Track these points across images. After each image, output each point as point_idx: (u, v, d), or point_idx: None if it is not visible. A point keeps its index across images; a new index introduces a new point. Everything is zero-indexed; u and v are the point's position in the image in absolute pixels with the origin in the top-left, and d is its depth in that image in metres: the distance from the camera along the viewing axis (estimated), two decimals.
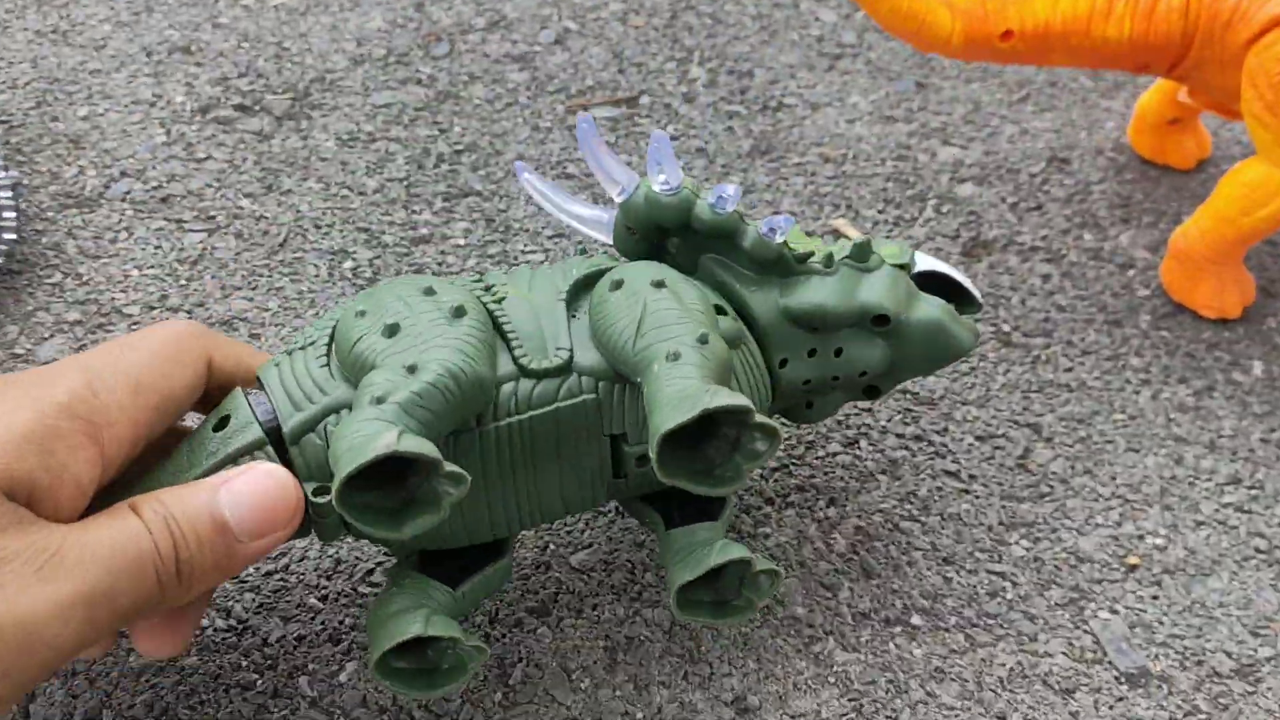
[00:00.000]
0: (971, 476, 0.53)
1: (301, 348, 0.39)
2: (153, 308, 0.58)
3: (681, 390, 0.34)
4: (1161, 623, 0.48)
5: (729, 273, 0.44)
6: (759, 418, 0.34)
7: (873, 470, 0.53)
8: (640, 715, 0.43)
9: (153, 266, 0.60)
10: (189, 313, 0.58)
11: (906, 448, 0.54)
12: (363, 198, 0.65)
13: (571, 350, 0.39)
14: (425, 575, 0.40)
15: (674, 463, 0.35)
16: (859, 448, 0.54)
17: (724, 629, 0.45)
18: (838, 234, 0.64)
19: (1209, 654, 0.47)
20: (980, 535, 0.51)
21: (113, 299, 0.58)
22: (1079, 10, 0.57)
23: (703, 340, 0.37)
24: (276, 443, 0.37)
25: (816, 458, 0.54)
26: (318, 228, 0.63)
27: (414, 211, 0.65)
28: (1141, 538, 0.51)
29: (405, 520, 0.34)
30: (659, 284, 0.39)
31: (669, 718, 0.43)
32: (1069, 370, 0.58)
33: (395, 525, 0.34)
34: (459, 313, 0.37)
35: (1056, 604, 0.48)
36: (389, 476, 0.34)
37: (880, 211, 0.67)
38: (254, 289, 0.59)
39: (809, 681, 0.45)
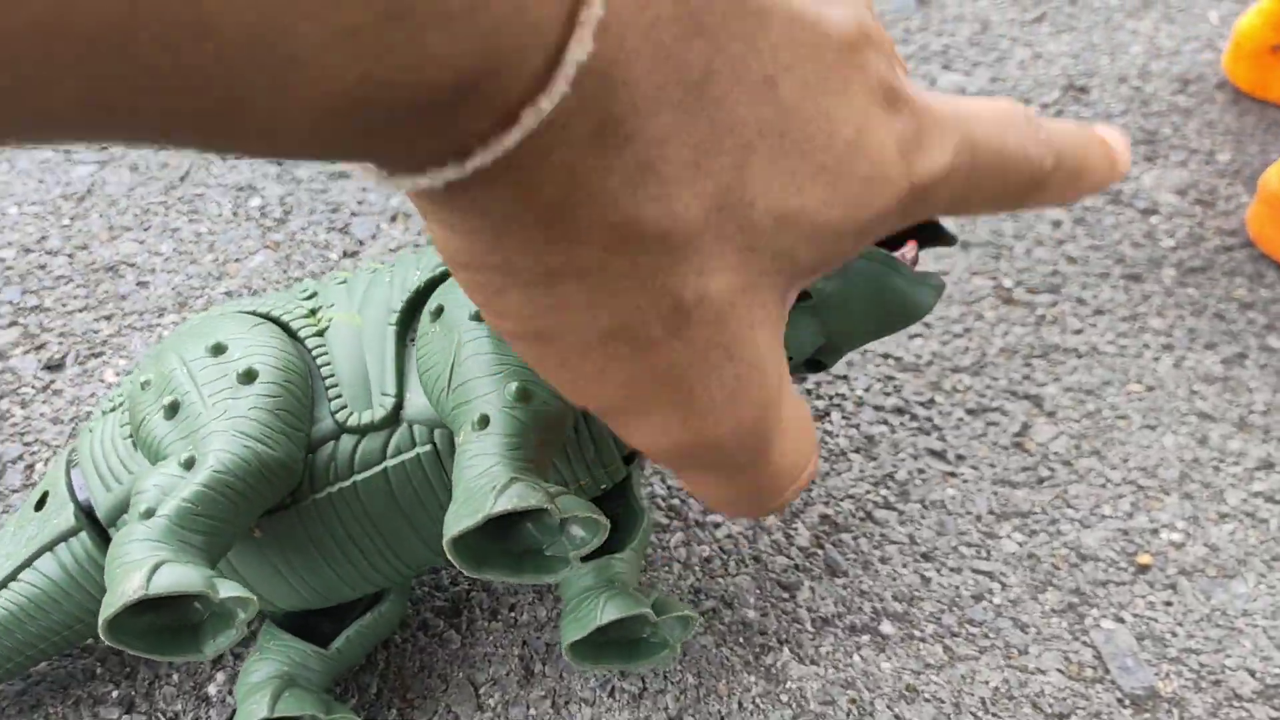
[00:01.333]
0: (959, 457, 0.46)
1: (112, 409, 0.35)
2: (29, 250, 0.51)
3: (475, 479, 0.28)
4: (1175, 634, 0.41)
5: None
6: (570, 511, 0.27)
7: (845, 448, 0.46)
8: None
9: (34, 203, 0.53)
10: (70, 256, 0.50)
11: (885, 422, 0.47)
12: None
13: (399, 395, 0.33)
14: (292, 634, 0.36)
15: (483, 554, 0.28)
16: (830, 421, 0.47)
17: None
18: None
19: (1229, 672, 0.40)
20: (966, 527, 0.44)
21: None
22: None
23: (520, 396, 0.30)
24: (95, 522, 0.34)
25: None
26: (224, 159, 0.56)
27: None
28: (1155, 532, 0.44)
29: (205, 637, 0.29)
30: (479, 315, 0.32)
31: None
32: (1078, 333, 0.51)
33: (194, 645, 0.29)
34: (248, 377, 0.32)
35: (1052, 610, 0.41)
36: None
37: None
38: (146, 229, 0.52)
39: (757, 700, 0.38)
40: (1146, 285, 0.53)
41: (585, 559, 0.36)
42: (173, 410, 0.32)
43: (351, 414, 0.33)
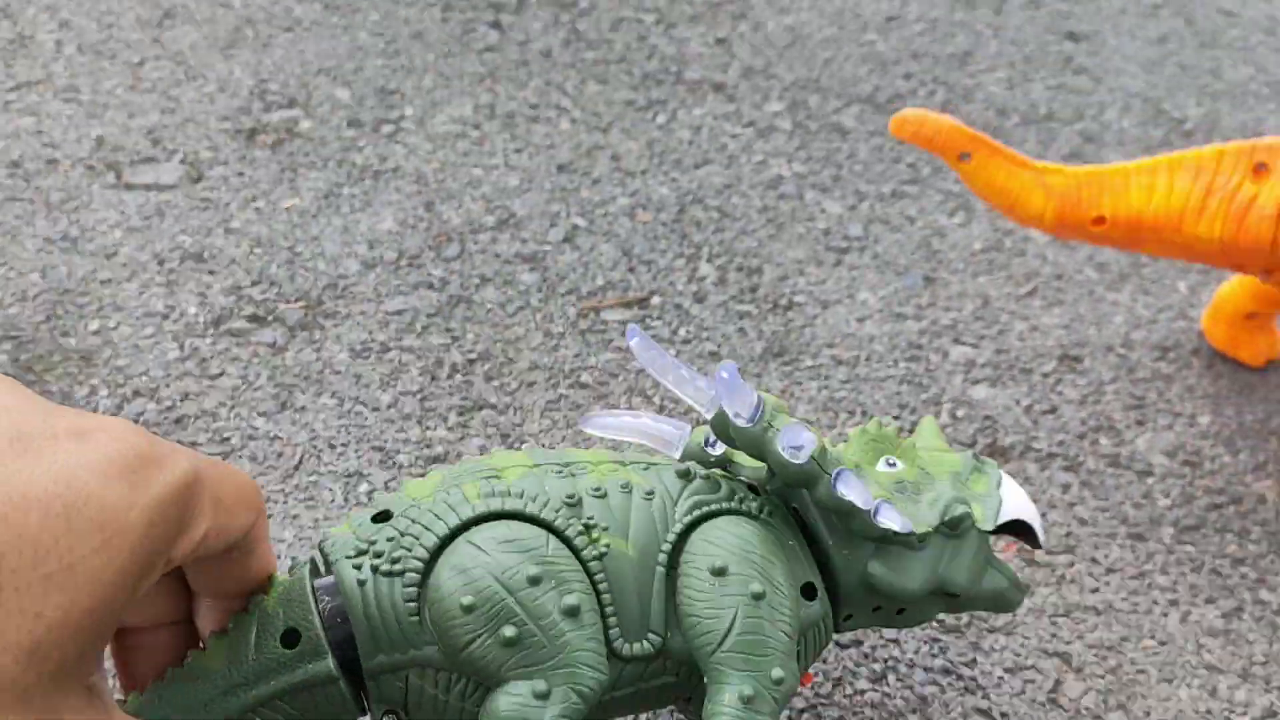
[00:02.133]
0: (1004, 715, 0.52)
1: (389, 571, 0.37)
2: None
3: None
4: None
5: (819, 516, 0.44)
6: None
7: (902, 709, 0.52)
8: None
9: None
10: None
11: (935, 683, 0.53)
12: (377, 413, 0.65)
13: (665, 635, 0.40)
14: None
15: None
16: (887, 683, 0.53)
17: None
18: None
19: None
20: None
21: None
22: (1172, 206, 0.58)
23: (778, 681, 0.39)
24: (346, 660, 0.37)
25: (844, 695, 0.52)
26: (332, 448, 0.63)
27: (428, 427, 0.64)
28: None
29: None
30: (758, 596, 0.39)
31: None
32: (1095, 591, 0.58)
33: None
34: (572, 613, 0.37)
35: None
36: None
37: (896, 417, 0.67)
38: (269, 517, 0.59)
39: None
40: (1150, 544, 0.61)
41: None
42: (512, 642, 0.36)
43: (625, 645, 0.39)
